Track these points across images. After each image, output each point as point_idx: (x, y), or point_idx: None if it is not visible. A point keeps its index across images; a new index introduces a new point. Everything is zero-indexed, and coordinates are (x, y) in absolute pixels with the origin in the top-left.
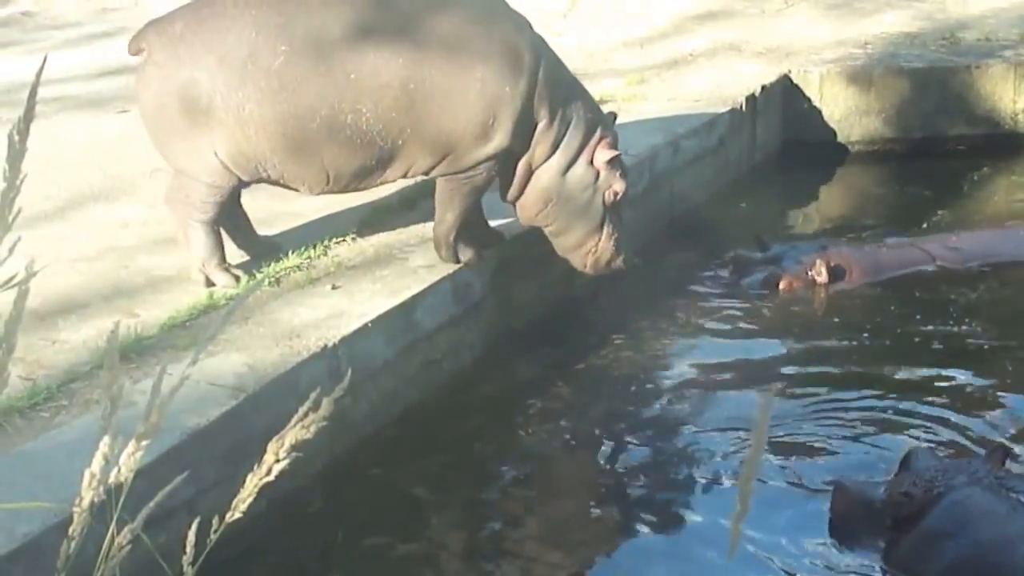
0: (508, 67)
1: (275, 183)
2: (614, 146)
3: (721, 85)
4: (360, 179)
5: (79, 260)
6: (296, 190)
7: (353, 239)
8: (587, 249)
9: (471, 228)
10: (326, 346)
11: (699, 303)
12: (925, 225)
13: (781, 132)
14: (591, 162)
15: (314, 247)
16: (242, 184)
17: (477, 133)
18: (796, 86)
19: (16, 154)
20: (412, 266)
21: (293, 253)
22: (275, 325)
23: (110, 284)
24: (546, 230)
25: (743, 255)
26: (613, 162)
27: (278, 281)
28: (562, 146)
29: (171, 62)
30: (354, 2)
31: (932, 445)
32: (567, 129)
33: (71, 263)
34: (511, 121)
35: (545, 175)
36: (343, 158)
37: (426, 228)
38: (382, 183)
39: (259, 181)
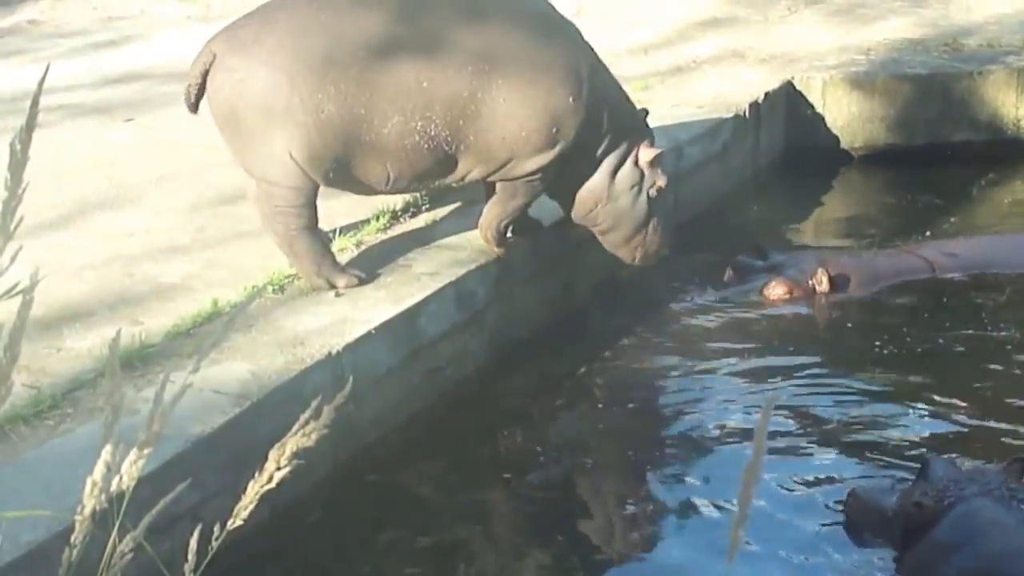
0: (571, 78)
1: (337, 185)
2: (655, 145)
3: (725, 92)
4: (420, 181)
5: (84, 268)
6: (353, 192)
7: (356, 246)
8: (635, 244)
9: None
10: (330, 353)
11: (701, 310)
12: (928, 232)
13: (784, 138)
14: (636, 163)
15: None
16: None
17: (541, 142)
18: (799, 92)
19: (18, 163)
20: (415, 273)
21: None
22: (279, 332)
23: (115, 292)
24: (595, 228)
25: (743, 261)
26: (655, 160)
27: (282, 288)
28: (614, 151)
29: (246, 65)
30: (424, 11)
31: (949, 454)
32: (617, 134)
33: (76, 271)
34: (573, 130)
35: (595, 178)
36: (408, 162)
37: (430, 234)
38: (440, 185)
39: (326, 183)
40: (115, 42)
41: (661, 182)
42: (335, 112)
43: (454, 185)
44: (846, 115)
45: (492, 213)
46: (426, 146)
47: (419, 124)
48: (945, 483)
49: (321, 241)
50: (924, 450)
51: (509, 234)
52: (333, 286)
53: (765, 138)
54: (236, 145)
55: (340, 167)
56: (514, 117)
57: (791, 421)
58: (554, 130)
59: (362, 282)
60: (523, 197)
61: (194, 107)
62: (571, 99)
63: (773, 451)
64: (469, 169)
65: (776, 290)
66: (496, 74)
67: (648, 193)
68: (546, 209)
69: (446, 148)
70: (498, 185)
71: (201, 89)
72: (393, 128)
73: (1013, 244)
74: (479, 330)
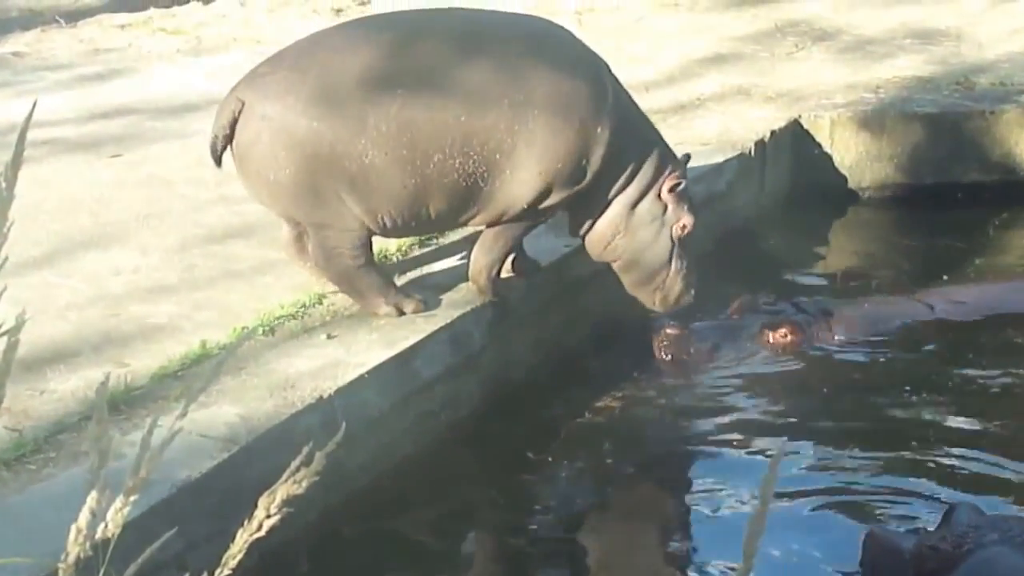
0: (599, 108)
1: (390, 232)
2: (683, 179)
3: (729, 130)
4: (457, 219)
5: (68, 308)
6: (404, 236)
7: None
8: (655, 285)
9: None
10: (321, 397)
11: (703, 352)
12: (940, 275)
13: (790, 178)
14: (659, 196)
15: (309, 295)
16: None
17: (571, 172)
18: (806, 131)
19: (3, 201)
20: (410, 315)
21: (287, 301)
22: (269, 375)
23: (100, 333)
24: (614, 266)
25: (748, 301)
26: (681, 196)
27: (272, 331)
28: (634, 181)
29: (282, 114)
30: (457, 46)
31: (975, 500)
32: (639, 165)
33: (60, 311)
34: (600, 160)
35: (614, 209)
36: (448, 201)
37: (424, 275)
38: (479, 223)
39: (381, 231)
40: (102, 75)
41: (686, 220)
42: (377, 155)
43: (488, 225)
44: (854, 154)
45: (480, 263)
46: (465, 184)
47: (458, 161)
48: (965, 528)
49: (379, 269)
50: (945, 495)
51: (504, 273)
52: (401, 312)
53: (771, 177)
54: (279, 194)
55: (390, 211)
56: (550, 149)
57: (801, 464)
58: (584, 161)
59: (311, 329)
60: (511, 241)
61: (219, 158)
62: (599, 129)
63: (786, 489)
64: (508, 206)
65: (779, 331)
66: (530, 106)
67: (672, 230)
68: (544, 249)
69: (483, 185)
70: (485, 228)
71: (228, 139)
72: (435, 167)
73: (1021, 290)
74: (474, 373)
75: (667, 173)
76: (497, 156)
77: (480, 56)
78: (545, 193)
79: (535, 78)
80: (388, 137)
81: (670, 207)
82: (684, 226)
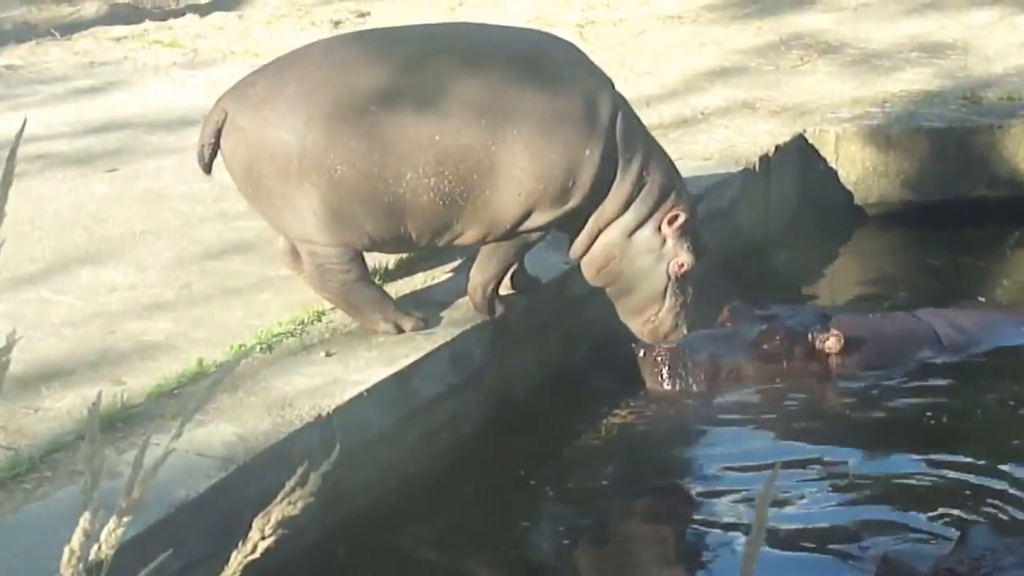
0: (588, 128)
1: (371, 248)
2: (687, 214)
3: (733, 145)
4: (440, 237)
5: (64, 325)
6: (384, 252)
7: None
8: (646, 317)
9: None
10: (320, 415)
11: (704, 367)
12: (943, 293)
13: (795, 193)
14: (659, 228)
15: (307, 312)
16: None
17: (556, 194)
18: (811, 146)
19: None
20: (409, 332)
21: (285, 319)
22: (267, 393)
23: (96, 350)
24: (607, 291)
25: (741, 308)
26: (682, 232)
27: (270, 348)
28: (632, 207)
29: (257, 126)
30: (437, 63)
31: (990, 523)
32: (640, 191)
33: (55, 328)
34: (589, 183)
35: (610, 233)
36: (427, 219)
37: (424, 293)
38: (463, 242)
39: (358, 246)
40: (97, 89)
41: (684, 259)
42: (347, 171)
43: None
44: (860, 169)
45: (476, 281)
46: (441, 203)
47: (432, 181)
48: (982, 551)
49: (376, 286)
50: (960, 517)
51: (504, 290)
52: (400, 330)
53: (775, 193)
54: (261, 206)
55: (363, 228)
56: (529, 170)
57: (806, 483)
58: (570, 183)
59: (310, 346)
60: (507, 259)
61: (208, 167)
62: (587, 151)
63: (792, 511)
64: (491, 226)
65: (775, 339)
66: (510, 126)
67: (669, 265)
68: (544, 266)
69: (462, 203)
70: (483, 246)
71: (215, 149)
72: (407, 186)
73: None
74: (475, 391)
75: (670, 204)
76: (475, 176)
77: (462, 73)
78: (528, 214)
79: (518, 97)
80: (358, 153)
81: (669, 242)
82: (681, 264)
